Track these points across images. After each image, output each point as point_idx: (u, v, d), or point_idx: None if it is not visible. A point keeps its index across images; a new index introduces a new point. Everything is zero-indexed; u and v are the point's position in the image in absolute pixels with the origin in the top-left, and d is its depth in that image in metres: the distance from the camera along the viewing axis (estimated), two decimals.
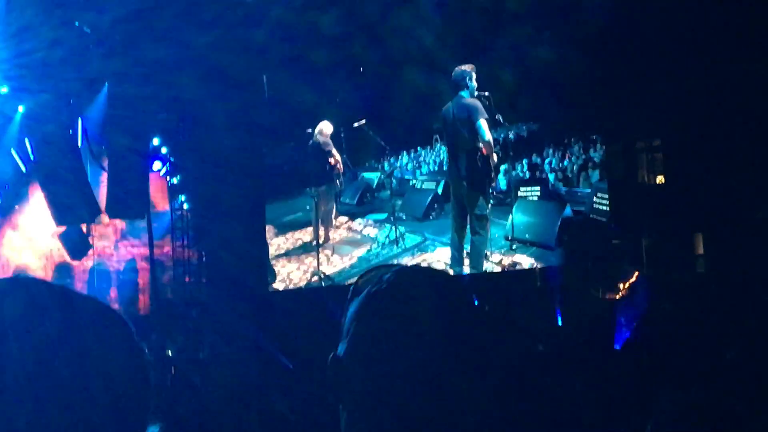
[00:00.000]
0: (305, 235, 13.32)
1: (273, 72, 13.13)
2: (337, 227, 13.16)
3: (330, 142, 12.97)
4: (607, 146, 11.93)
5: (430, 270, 1.69)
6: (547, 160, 12.17)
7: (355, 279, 1.67)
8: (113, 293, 15.42)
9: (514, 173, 12.16)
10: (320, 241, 13.03)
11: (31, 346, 1.12)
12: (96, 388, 1.15)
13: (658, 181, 12.11)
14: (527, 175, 12.22)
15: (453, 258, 11.89)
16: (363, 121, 12.65)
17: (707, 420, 2.56)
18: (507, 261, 11.70)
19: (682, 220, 11.42)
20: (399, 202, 12.90)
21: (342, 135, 13.01)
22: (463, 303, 1.61)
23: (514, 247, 11.69)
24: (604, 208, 11.68)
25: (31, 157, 14.26)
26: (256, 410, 9.47)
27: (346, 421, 1.53)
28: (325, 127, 12.92)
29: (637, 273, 11.63)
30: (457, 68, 11.44)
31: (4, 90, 13.60)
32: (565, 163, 12.13)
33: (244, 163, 13.37)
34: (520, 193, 12.00)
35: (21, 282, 1.24)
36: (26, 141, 14.14)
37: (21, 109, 13.83)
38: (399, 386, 1.46)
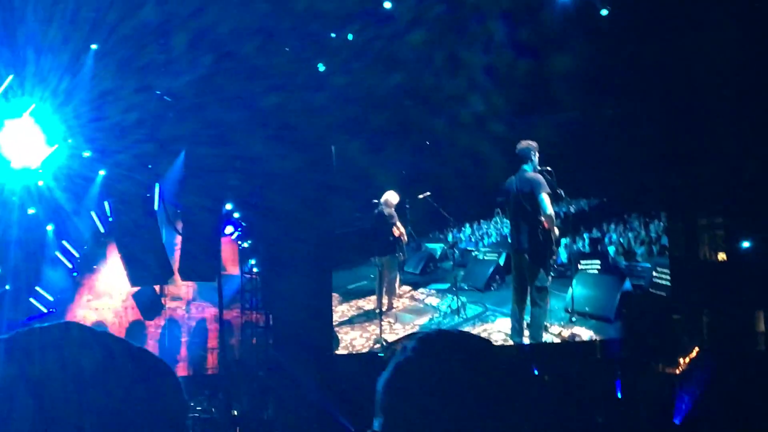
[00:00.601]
0: (369, 303, 13.37)
1: (340, 138, 13.32)
2: (400, 296, 13.20)
3: (394, 212, 13.08)
4: (669, 222, 11.90)
5: (454, 333, 1.69)
6: (607, 235, 12.16)
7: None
8: (183, 352, 15.54)
9: (574, 246, 12.19)
10: (383, 309, 13.11)
11: (103, 392, 1.15)
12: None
13: (719, 257, 11.93)
14: (587, 249, 12.21)
15: (513, 329, 11.88)
16: (428, 194, 12.79)
17: None
18: (566, 333, 11.71)
19: (743, 297, 11.25)
20: (461, 273, 12.91)
21: (407, 206, 13.12)
22: (500, 365, 1.65)
23: (573, 319, 11.69)
24: (665, 282, 11.62)
25: (110, 218, 14.68)
26: None
27: None
28: (391, 198, 13.06)
29: (697, 349, 11.55)
30: (520, 143, 11.53)
31: (87, 154, 14.00)
32: (625, 237, 12.10)
33: (311, 229, 13.50)
34: (580, 266, 12.02)
35: (100, 335, 1.28)
36: (105, 203, 14.52)
37: (102, 172, 14.19)
38: None
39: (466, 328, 12.11)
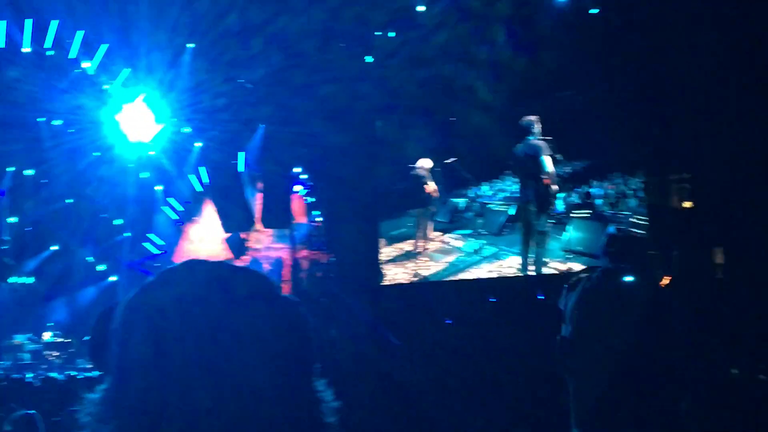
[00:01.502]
0: (408, 245, 13.64)
1: (383, 117, 13.66)
2: (432, 240, 13.40)
3: (428, 174, 13.31)
4: (646, 178, 11.92)
5: (624, 269, 1.74)
6: (594, 189, 12.23)
7: (568, 277, 1.85)
8: None
9: (569, 199, 12.29)
10: (419, 251, 13.41)
11: (215, 306, 1.06)
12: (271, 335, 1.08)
13: (686, 205, 11.86)
14: (580, 201, 12.29)
15: (521, 264, 12.09)
16: (454, 159, 13.07)
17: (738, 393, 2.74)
18: (563, 267, 11.91)
19: (705, 236, 11.30)
20: (480, 221, 13.08)
21: (438, 169, 13.35)
22: (654, 302, 1.65)
23: (568, 256, 11.94)
24: (641, 226, 11.77)
25: (205, 181, 15.14)
26: (372, 376, 9.65)
27: (573, 388, 1.57)
28: (425, 163, 13.31)
29: (668, 278, 11.35)
30: (524, 118, 11.68)
31: (187, 129, 14.60)
32: (610, 190, 12.17)
33: (362, 188, 13.80)
34: (573, 215, 12.17)
35: (201, 262, 1.17)
36: (202, 169, 15.03)
37: (198, 144, 14.78)
38: (614, 360, 1.52)
39: (484, 265, 12.69)
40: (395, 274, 13.70)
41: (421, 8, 12.23)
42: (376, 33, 12.87)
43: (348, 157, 13.52)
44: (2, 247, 15.47)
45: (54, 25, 13.37)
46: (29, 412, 5.51)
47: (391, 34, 12.80)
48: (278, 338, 1.05)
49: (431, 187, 13.37)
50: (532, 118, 11.80)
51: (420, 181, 13.41)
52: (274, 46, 13.03)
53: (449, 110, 13.05)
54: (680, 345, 1.60)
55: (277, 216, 15.00)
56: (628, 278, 1.67)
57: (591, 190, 12.31)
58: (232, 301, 1.04)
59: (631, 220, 11.94)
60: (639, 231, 11.83)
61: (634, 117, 11.84)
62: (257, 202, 15.25)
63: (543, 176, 11.69)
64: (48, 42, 13.56)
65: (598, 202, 12.23)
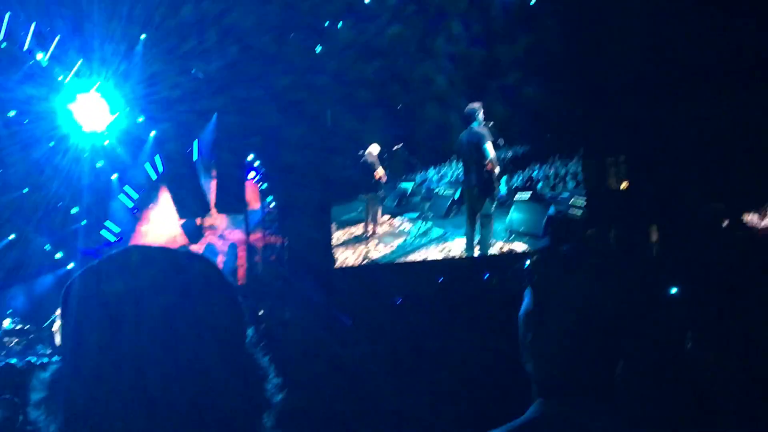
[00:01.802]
0: (358, 229, 13.66)
1: (334, 107, 13.49)
2: (381, 224, 13.44)
3: (377, 160, 13.34)
4: (584, 161, 11.97)
5: (590, 251, 1.71)
6: (535, 172, 12.28)
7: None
8: (218, 263, 15.97)
9: (511, 182, 12.30)
10: (369, 234, 13.40)
11: (163, 300, 1.05)
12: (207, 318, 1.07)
13: (622, 186, 11.98)
14: (521, 184, 12.31)
15: (467, 245, 12.13)
16: (401, 145, 13.11)
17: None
18: (506, 247, 11.93)
19: (641, 215, 11.36)
20: (427, 205, 13.09)
21: (385, 155, 13.40)
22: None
23: (511, 237, 11.94)
24: (580, 206, 11.85)
25: (160, 169, 14.96)
26: (325, 356, 9.71)
27: (534, 354, 1.56)
28: (373, 149, 13.32)
29: (606, 255, 11.96)
30: (468, 106, 11.71)
31: (141, 119, 14.34)
32: (550, 173, 12.21)
33: (314, 175, 13.71)
34: (516, 198, 12.19)
35: (160, 251, 1.16)
36: (156, 157, 14.83)
37: (153, 133, 14.55)
38: (569, 328, 1.52)
39: (431, 247, 12.66)
40: (346, 258, 13.66)
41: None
42: (326, 24, 12.94)
43: (299, 145, 13.45)
44: None
45: (6, 17, 13.05)
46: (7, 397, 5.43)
47: (341, 25, 12.87)
48: (210, 315, 1.04)
49: (380, 172, 13.38)
50: (476, 105, 11.79)
51: (369, 167, 13.41)
52: (229, 37, 12.98)
53: (397, 99, 13.04)
54: (620, 313, 1.57)
55: (231, 202, 15.00)
56: (571, 255, 1.68)
57: (532, 173, 12.32)
58: (167, 283, 1.03)
59: (570, 201, 11.97)
60: (577, 211, 11.88)
61: (571, 103, 11.91)
62: (212, 189, 15.17)
63: (486, 161, 11.69)
64: (0, 33, 13.22)
65: (539, 185, 12.25)
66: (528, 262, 1.68)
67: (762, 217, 11.03)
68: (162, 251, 1.14)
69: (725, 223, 10.87)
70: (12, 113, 14.28)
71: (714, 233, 10.54)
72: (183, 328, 1.02)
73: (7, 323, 14.48)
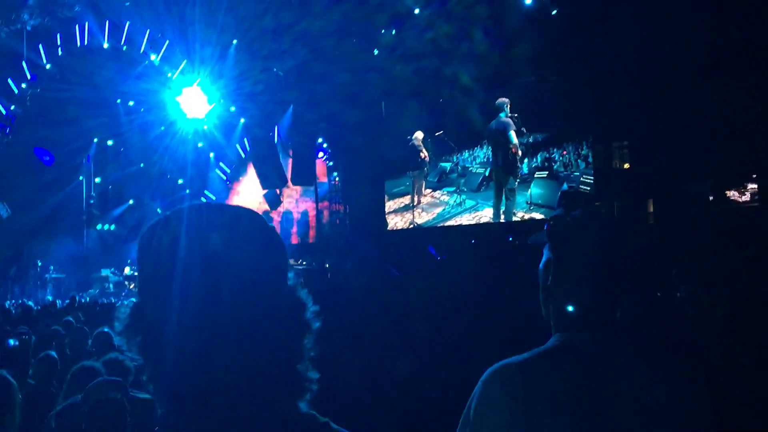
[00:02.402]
0: (405, 199, 13.75)
1: (387, 99, 13.70)
2: (425, 195, 13.50)
3: (421, 143, 13.48)
4: (593, 145, 12.03)
5: (597, 214, 1.69)
6: (552, 155, 12.36)
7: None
8: (294, 229, 15.96)
9: (532, 163, 12.36)
10: (414, 204, 13.51)
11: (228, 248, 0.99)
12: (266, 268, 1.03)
13: (625, 166, 12.08)
14: (540, 164, 12.35)
15: (494, 214, 12.30)
16: (441, 132, 13.25)
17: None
18: (527, 216, 12.08)
19: (641, 191, 11.52)
20: (462, 181, 13.12)
21: (428, 140, 13.49)
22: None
23: (531, 208, 12.11)
24: (588, 183, 11.92)
25: (247, 149, 15.58)
26: (377, 301, 9.39)
27: (554, 266, 1.52)
28: (419, 135, 13.49)
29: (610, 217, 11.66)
30: (498, 99, 11.98)
31: (233, 108, 14.95)
32: (564, 156, 12.26)
33: (370, 155, 14.02)
34: (535, 175, 12.27)
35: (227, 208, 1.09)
36: (245, 139, 15.44)
37: (242, 120, 15.13)
38: (586, 269, 1.49)
39: (465, 215, 12.77)
40: (396, 222, 13.81)
41: (416, 11, 12.48)
42: (381, 31, 13.11)
43: (359, 130, 13.66)
44: (90, 201, 15.97)
45: (126, 25, 13.93)
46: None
47: (392, 32, 13.04)
48: (260, 255, 1.00)
49: (424, 153, 13.50)
50: (504, 100, 12.04)
51: (415, 149, 13.53)
52: (300, 42, 13.25)
53: (438, 93, 13.11)
54: (623, 261, 1.55)
55: (304, 176, 15.26)
56: (582, 217, 1.63)
57: (549, 155, 12.40)
58: (225, 231, 0.99)
59: (580, 179, 12.06)
60: (586, 187, 11.93)
61: (581, 97, 11.92)
62: (288, 166, 15.45)
63: (510, 145, 11.99)
64: (122, 39, 14.11)
65: (555, 165, 12.35)
66: (546, 225, 1.62)
67: (741, 194, 11.21)
68: (219, 206, 1.08)
69: (710, 197, 11.42)
70: (131, 103, 15.40)
71: (700, 206, 11.18)
72: (238, 265, 0.98)
73: (127, 270, 15.75)
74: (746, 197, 11.25)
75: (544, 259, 1.62)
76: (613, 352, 1.48)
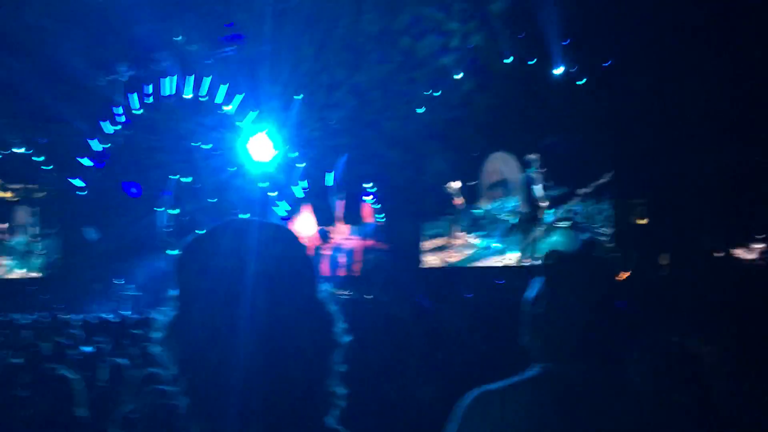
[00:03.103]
0: (440, 241, 13.85)
1: (428, 148, 13.60)
2: (458, 237, 13.61)
3: (457, 191, 13.47)
4: (615, 200, 12.16)
5: (596, 252, 1.60)
6: (574, 207, 12.44)
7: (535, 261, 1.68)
8: (341, 261, 15.58)
9: (555, 213, 12.48)
10: (448, 245, 13.54)
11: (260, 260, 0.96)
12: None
13: (643, 221, 12.07)
14: (562, 215, 12.42)
15: (520, 258, 12.44)
16: (475, 182, 13.26)
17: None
18: None
19: (656, 243, 11.48)
20: (492, 226, 13.05)
21: (463, 188, 13.49)
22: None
23: None
24: (607, 234, 12.00)
25: (306, 189, 15.67)
26: (409, 330, 9.82)
27: (549, 298, 1.44)
28: (455, 184, 13.54)
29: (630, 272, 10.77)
30: (528, 156, 12.39)
31: (294, 154, 15.25)
32: (585, 209, 12.33)
33: (411, 199, 14.16)
34: (558, 225, 12.43)
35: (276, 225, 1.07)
36: (303, 181, 15.57)
37: (301, 164, 15.38)
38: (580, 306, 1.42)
39: (493, 258, 12.79)
40: (431, 260, 13.98)
41: (457, 76, 12.80)
42: (424, 91, 13.40)
43: (402, 176, 13.92)
44: (168, 230, 16.48)
45: (207, 80, 14.66)
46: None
47: (435, 93, 13.35)
48: (293, 269, 0.95)
49: (459, 200, 13.68)
50: (533, 156, 12.44)
51: (451, 195, 13.76)
52: (351, 94, 13.55)
53: (475, 146, 13.42)
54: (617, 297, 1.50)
55: (353, 216, 15.37)
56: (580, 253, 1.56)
57: (571, 207, 12.53)
58: (259, 245, 0.94)
59: (600, 230, 12.16)
60: (605, 237, 11.99)
61: (602, 156, 12.18)
62: (340, 206, 15.60)
63: (536, 198, 12.35)
64: (203, 91, 14.78)
65: (576, 216, 12.49)
66: (543, 258, 1.55)
67: (748, 252, 11.11)
68: (255, 222, 1.03)
69: (720, 255, 11.37)
70: (207, 146, 16.04)
71: (710, 262, 11.11)
72: (271, 280, 0.94)
73: None
74: (754, 255, 11.07)
75: (535, 290, 1.53)
76: (597, 386, 1.38)
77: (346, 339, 1.01)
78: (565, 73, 12.15)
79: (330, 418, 0.94)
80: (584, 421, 1.34)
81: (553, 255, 1.59)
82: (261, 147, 15.02)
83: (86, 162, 16.41)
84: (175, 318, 1.00)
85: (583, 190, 12.43)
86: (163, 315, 1.01)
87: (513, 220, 13.04)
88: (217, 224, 1.06)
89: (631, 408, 1.41)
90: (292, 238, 1.04)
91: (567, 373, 1.41)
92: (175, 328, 1.00)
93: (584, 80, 12.06)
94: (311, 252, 1.04)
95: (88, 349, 6.08)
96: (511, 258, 12.89)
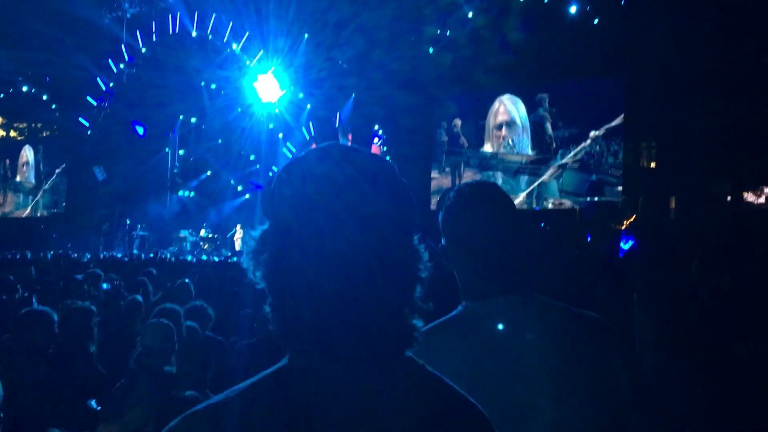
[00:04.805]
0: (447, 181, 13.60)
1: (433, 85, 13.44)
2: (465, 179, 12.90)
3: (461, 130, 13.32)
4: (624, 143, 11.97)
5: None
6: (585, 148, 12.22)
7: None
8: None
9: (566, 154, 12.27)
10: (454, 185, 13.49)
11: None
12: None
13: (651, 165, 12.05)
14: (573, 156, 12.27)
15: (528, 201, 12.29)
16: (484, 121, 13.25)
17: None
18: (557, 203, 12.10)
19: (664, 188, 11.45)
20: (500, 166, 12.92)
21: (473, 127, 13.24)
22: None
23: (561, 195, 12.16)
24: (615, 176, 11.89)
25: (312, 132, 15.56)
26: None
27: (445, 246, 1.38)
28: (457, 122, 13.23)
29: (633, 216, 11.39)
30: (538, 95, 12.13)
31: (301, 95, 15.08)
32: (595, 150, 12.15)
33: (419, 136, 13.73)
34: (568, 165, 12.27)
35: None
36: (310, 123, 15.49)
37: (308, 105, 15.21)
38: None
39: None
40: (437, 202, 13.88)
41: (470, 13, 12.43)
42: (430, 27, 13.13)
43: (409, 115, 13.72)
44: (174, 171, 16.44)
45: (212, 18, 14.31)
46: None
47: (449, 31, 13.06)
48: (389, 205, 0.90)
49: (463, 140, 13.41)
50: (543, 95, 12.16)
51: (457, 135, 13.48)
52: (359, 34, 13.29)
53: (484, 86, 12.96)
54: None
55: None
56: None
57: (582, 149, 12.39)
58: (355, 172, 0.90)
59: (609, 172, 12.07)
60: (612, 179, 11.99)
61: (616, 98, 11.96)
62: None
63: (546, 137, 12.19)
64: (208, 29, 14.50)
65: (586, 158, 12.36)
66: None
67: (757, 196, 11.08)
68: (363, 150, 0.98)
69: (728, 199, 11.25)
70: (213, 86, 15.72)
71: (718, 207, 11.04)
72: (366, 206, 0.89)
73: (203, 232, 16.06)
74: (762, 200, 11.05)
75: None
76: (518, 318, 1.32)
77: (426, 274, 0.96)
78: (578, 12, 11.89)
79: (409, 352, 0.93)
80: (506, 357, 1.26)
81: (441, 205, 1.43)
82: (268, 87, 14.78)
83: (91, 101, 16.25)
84: (266, 232, 0.95)
85: (593, 132, 12.27)
86: (253, 229, 0.95)
87: (522, 160, 12.89)
88: (322, 145, 0.98)
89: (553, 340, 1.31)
90: (395, 173, 0.97)
91: (490, 310, 1.33)
92: (265, 241, 0.94)
93: (597, 20, 11.78)
94: (407, 187, 0.96)
95: (104, 285, 6.00)
96: (521, 199, 12.72)
